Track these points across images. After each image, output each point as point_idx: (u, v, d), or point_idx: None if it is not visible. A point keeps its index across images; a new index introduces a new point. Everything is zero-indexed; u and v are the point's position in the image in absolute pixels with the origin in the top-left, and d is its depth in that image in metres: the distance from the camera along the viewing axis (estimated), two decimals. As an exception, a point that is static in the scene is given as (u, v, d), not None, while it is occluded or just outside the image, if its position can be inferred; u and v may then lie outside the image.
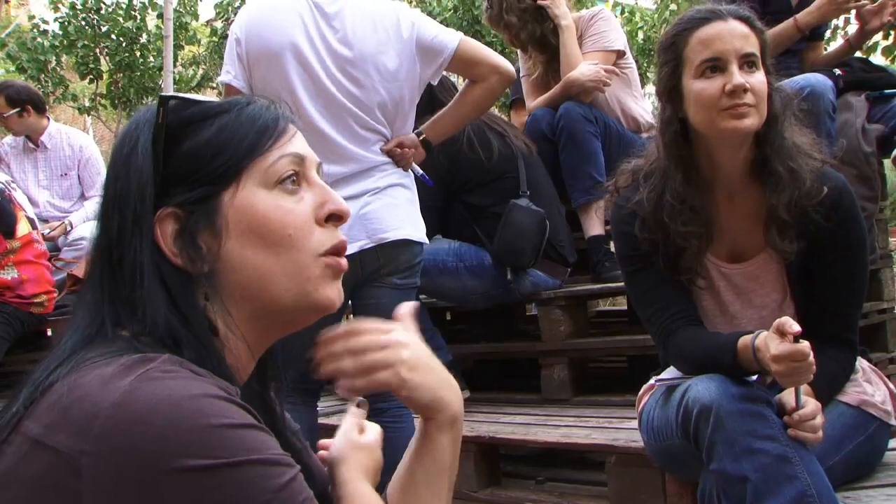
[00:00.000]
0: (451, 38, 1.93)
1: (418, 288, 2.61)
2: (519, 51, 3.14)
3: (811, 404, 1.30)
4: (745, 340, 1.33)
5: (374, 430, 0.92)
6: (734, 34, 1.41)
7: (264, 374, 0.82)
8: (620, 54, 2.93)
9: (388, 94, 1.91)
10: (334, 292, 0.75)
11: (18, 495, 0.58)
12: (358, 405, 0.93)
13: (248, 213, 0.71)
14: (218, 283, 0.71)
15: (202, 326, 0.69)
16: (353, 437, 0.88)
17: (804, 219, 1.43)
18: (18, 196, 3.26)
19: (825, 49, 3.06)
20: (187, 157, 0.72)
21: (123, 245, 0.69)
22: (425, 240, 2.03)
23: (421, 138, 2.05)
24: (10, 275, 3.05)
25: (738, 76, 1.39)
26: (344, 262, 0.76)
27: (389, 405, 1.85)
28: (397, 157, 1.98)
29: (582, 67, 2.80)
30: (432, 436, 0.78)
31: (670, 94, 1.48)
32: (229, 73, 1.92)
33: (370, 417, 1.89)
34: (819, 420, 1.29)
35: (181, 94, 0.75)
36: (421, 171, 2.12)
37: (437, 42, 1.92)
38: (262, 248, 0.71)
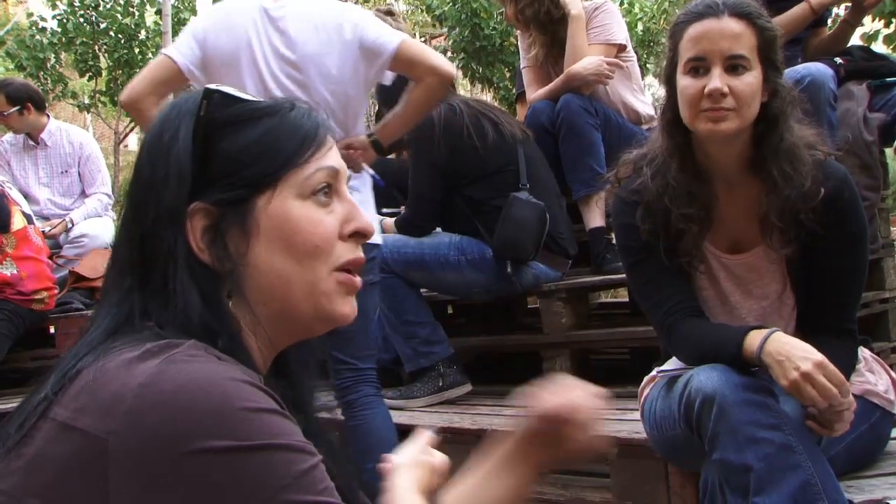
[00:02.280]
0: (392, 40, 1.95)
1: (415, 282, 2.61)
2: (518, 32, 3.10)
3: (850, 397, 1.28)
4: (754, 339, 1.32)
5: (441, 456, 0.93)
6: (724, 34, 1.38)
7: (283, 369, 0.81)
8: (622, 48, 2.91)
9: (332, 96, 1.94)
10: (348, 308, 0.77)
11: (52, 478, 0.59)
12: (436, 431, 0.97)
13: (280, 220, 0.72)
14: (241, 283, 0.71)
15: (230, 320, 0.70)
16: (418, 453, 0.90)
17: (798, 223, 1.41)
18: (14, 194, 3.26)
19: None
20: (227, 157, 0.72)
21: (158, 236, 0.69)
22: (378, 239, 2.04)
23: (371, 139, 2.06)
24: (9, 271, 3.04)
25: (717, 80, 1.37)
26: (358, 280, 0.77)
27: (357, 396, 1.91)
28: (345, 159, 1.99)
29: (584, 61, 2.77)
30: (524, 485, 0.90)
31: (668, 81, 1.48)
32: (179, 51, 1.94)
33: (344, 412, 1.89)
34: (852, 413, 1.29)
35: (226, 89, 0.75)
36: (372, 172, 2.11)
37: (378, 43, 1.94)
38: (288, 255, 0.72)
